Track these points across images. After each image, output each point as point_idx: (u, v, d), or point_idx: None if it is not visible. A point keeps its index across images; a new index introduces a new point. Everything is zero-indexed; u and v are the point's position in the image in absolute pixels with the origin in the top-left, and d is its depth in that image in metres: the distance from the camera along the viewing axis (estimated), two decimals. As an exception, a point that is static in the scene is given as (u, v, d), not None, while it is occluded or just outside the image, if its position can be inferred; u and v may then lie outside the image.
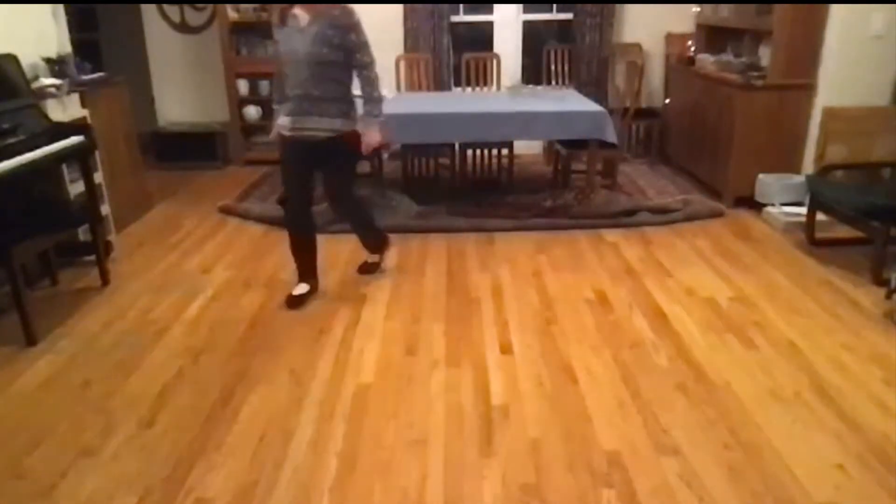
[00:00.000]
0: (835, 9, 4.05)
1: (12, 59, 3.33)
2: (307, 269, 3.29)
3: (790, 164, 4.40)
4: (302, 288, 3.26)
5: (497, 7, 5.98)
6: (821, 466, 2.07)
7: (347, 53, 2.97)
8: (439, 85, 5.88)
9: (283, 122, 3.05)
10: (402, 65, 5.69)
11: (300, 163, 3.11)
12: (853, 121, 4.10)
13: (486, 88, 5.69)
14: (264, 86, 5.79)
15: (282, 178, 3.34)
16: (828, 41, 4.14)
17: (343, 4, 2.95)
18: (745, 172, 4.39)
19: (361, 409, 2.41)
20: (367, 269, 3.56)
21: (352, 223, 3.47)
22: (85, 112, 3.77)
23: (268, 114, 3.15)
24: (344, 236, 4.14)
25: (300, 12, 2.91)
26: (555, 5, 6.01)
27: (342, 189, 3.25)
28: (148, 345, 2.89)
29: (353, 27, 2.95)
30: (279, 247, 3.99)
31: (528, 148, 5.88)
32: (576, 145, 4.59)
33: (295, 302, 3.21)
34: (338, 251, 3.91)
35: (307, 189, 3.16)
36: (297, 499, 1.98)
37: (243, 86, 5.77)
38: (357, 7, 3.04)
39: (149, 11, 5.95)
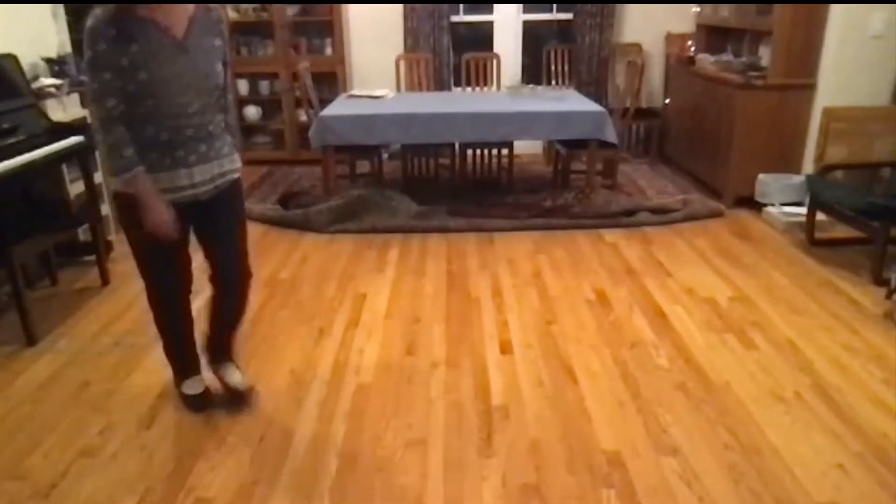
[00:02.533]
0: (835, 9, 4.05)
1: (12, 59, 3.33)
2: (194, 358, 2.50)
3: (790, 164, 4.40)
4: (201, 383, 2.48)
5: (497, 7, 5.98)
6: (821, 466, 2.07)
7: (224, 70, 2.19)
8: (439, 85, 5.88)
9: (160, 182, 2.07)
10: (402, 65, 5.70)
11: (182, 232, 2.21)
12: (853, 121, 4.10)
13: (486, 88, 5.69)
14: (264, 86, 5.80)
15: (150, 263, 2.26)
16: (828, 41, 4.14)
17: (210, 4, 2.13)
18: (745, 172, 4.39)
19: (361, 409, 2.41)
20: (246, 399, 2.46)
21: (239, 306, 2.45)
22: (85, 112, 3.77)
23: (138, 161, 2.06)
24: (343, 236, 4.15)
25: (160, 18, 1.97)
26: (555, 5, 6.01)
27: (245, 250, 2.40)
28: (148, 345, 2.89)
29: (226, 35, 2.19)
30: (279, 247, 3.99)
31: (528, 148, 5.88)
32: (576, 145, 4.59)
33: (203, 402, 2.43)
34: (338, 251, 3.91)
35: (189, 267, 2.41)
36: (297, 499, 1.98)
37: (243, 86, 5.78)
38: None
39: (149, 11, 5.94)
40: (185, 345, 2.46)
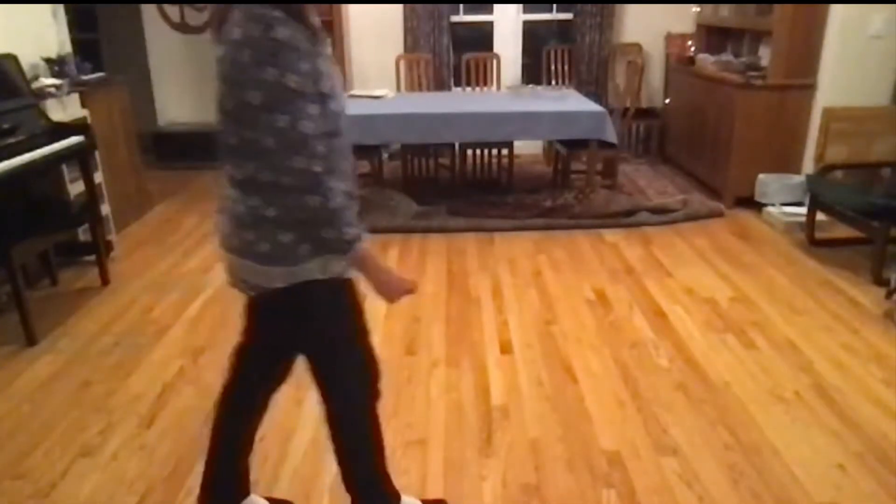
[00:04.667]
0: (835, 9, 4.05)
1: (12, 59, 3.33)
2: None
3: (790, 164, 4.40)
4: None
5: (497, 7, 5.98)
6: (821, 466, 2.07)
7: None
8: (439, 85, 5.88)
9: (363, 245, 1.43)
10: (402, 65, 5.69)
11: None
12: (853, 121, 4.10)
13: (486, 88, 5.69)
14: (264, 86, 5.78)
15: (370, 353, 1.73)
16: (828, 41, 4.14)
17: None
18: (745, 172, 4.39)
19: (361, 409, 2.41)
20: None
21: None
22: (85, 112, 3.77)
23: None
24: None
25: (317, 22, 1.39)
26: (555, 5, 6.01)
27: None
28: (148, 345, 2.89)
29: None
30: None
31: (528, 148, 5.88)
32: (576, 145, 4.59)
33: None
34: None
35: None
36: (297, 499, 1.98)
37: (243, 86, 5.76)
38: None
39: (149, 11, 5.95)
40: None
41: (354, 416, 1.70)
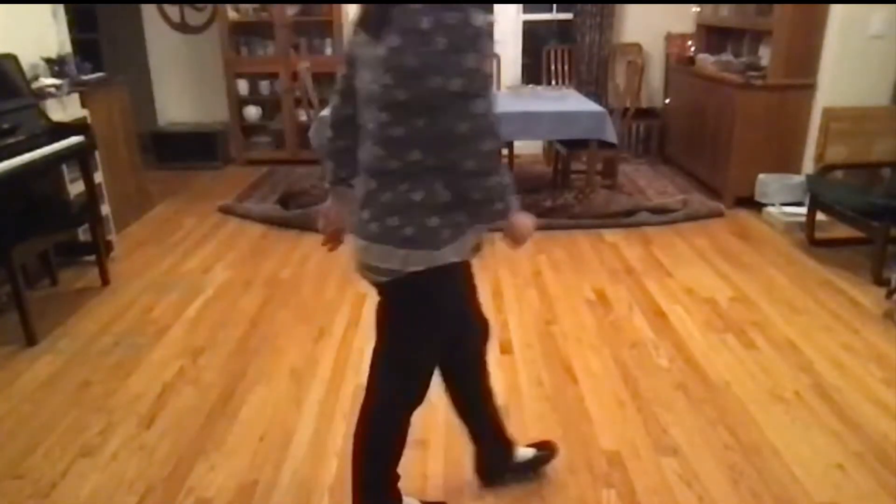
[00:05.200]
0: (835, 9, 4.05)
1: (12, 59, 3.33)
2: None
3: (790, 164, 4.40)
4: None
5: (497, 7, 5.98)
6: (821, 466, 2.07)
7: None
8: (439, 85, 5.87)
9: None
10: (402, 65, 5.69)
11: None
12: (853, 121, 4.10)
13: (486, 88, 5.69)
14: (264, 86, 5.79)
15: (436, 347, 1.69)
16: (828, 41, 4.14)
17: None
18: (745, 172, 4.39)
19: (361, 409, 2.41)
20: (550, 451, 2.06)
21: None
22: (85, 112, 3.77)
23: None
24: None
25: None
26: (555, 5, 6.02)
27: None
28: (148, 345, 2.89)
29: None
30: (279, 247, 3.99)
31: (528, 148, 5.88)
32: (576, 145, 4.59)
33: None
34: (338, 251, 3.90)
35: None
36: (297, 499, 1.98)
37: (243, 86, 5.77)
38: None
39: (149, 11, 5.95)
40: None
41: (404, 397, 1.72)
